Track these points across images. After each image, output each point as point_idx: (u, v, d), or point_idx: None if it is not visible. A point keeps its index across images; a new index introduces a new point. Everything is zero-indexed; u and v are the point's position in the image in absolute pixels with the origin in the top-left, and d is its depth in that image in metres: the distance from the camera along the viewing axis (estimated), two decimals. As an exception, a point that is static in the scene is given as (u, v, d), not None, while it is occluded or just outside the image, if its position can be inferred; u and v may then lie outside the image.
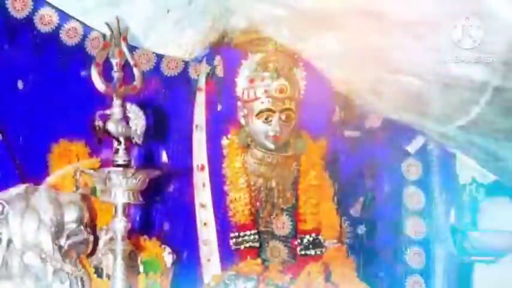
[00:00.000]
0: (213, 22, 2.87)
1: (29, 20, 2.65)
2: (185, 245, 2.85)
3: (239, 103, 2.89)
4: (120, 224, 2.18)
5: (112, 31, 2.24)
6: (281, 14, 2.62)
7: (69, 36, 2.70)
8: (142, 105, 2.29)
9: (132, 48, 2.45)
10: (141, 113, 2.26)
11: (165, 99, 2.89)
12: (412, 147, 3.14)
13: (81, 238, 2.40)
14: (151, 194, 2.39)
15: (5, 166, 2.57)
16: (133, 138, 2.23)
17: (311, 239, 2.91)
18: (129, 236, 2.22)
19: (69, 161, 2.65)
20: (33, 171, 2.61)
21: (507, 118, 2.51)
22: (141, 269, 2.59)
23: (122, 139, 2.19)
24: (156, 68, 2.87)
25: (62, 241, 2.34)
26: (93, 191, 2.57)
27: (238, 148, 2.89)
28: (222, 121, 2.92)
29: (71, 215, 2.38)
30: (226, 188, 2.88)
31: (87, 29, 2.72)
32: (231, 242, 2.85)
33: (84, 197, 2.53)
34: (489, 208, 3.39)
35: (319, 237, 2.93)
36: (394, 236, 3.16)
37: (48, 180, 2.54)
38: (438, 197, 3.13)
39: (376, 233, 3.18)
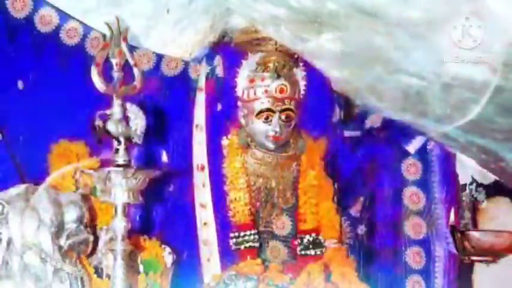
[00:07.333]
0: (213, 22, 2.87)
1: (29, 20, 2.64)
2: (185, 245, 2.85)
3: (239, 103, 2.89)
4: (120, 224, 2.18)
5: (112, 31, 2.24)
6: (281, 14, 2.61)
7: (69, 36, 2.70)
8: (142, 105, 2.29)
9: (132, 48, 2.45)
10: (141, 113, 2.25)
11: (165, 99, 2.89)
12: (412, 147, 3.14)
13: (81, 238, 2.40)
14: (151, 194, 2.38)
15: (5, 166, 2.56)
16: (133, 138, 2.23)
17: (311, 239, 2.91)
18: (129, 236, 2.22)
19: (69, 161, 2.65)
20: (33, 171, 2.60)
21: (507, 118, 2.51)
22: (141, 269, 2.59)
23: (122, 139, 2.19)
24: (156, 68, 2.86)
25: (62, 241, 2.34)
26: (93, 191, 2.57)
27: (238, 148, 2.89)
28: (222, 121, 2.92)
29: (71, 215, 2.38)
30: (226, 188, 2.88)
31: (87, 29, 2.71)
32: (231, 242, 2.84)
33: (84, 197, 2.53)
34: (489, 208, 3.38)
35: (319, 237, 2.93)
36: (394, 236, 3.16)
37: (48, 180, 2.53)
38: (438, 197, 3.13)
39: (376, 233, 3.18)
